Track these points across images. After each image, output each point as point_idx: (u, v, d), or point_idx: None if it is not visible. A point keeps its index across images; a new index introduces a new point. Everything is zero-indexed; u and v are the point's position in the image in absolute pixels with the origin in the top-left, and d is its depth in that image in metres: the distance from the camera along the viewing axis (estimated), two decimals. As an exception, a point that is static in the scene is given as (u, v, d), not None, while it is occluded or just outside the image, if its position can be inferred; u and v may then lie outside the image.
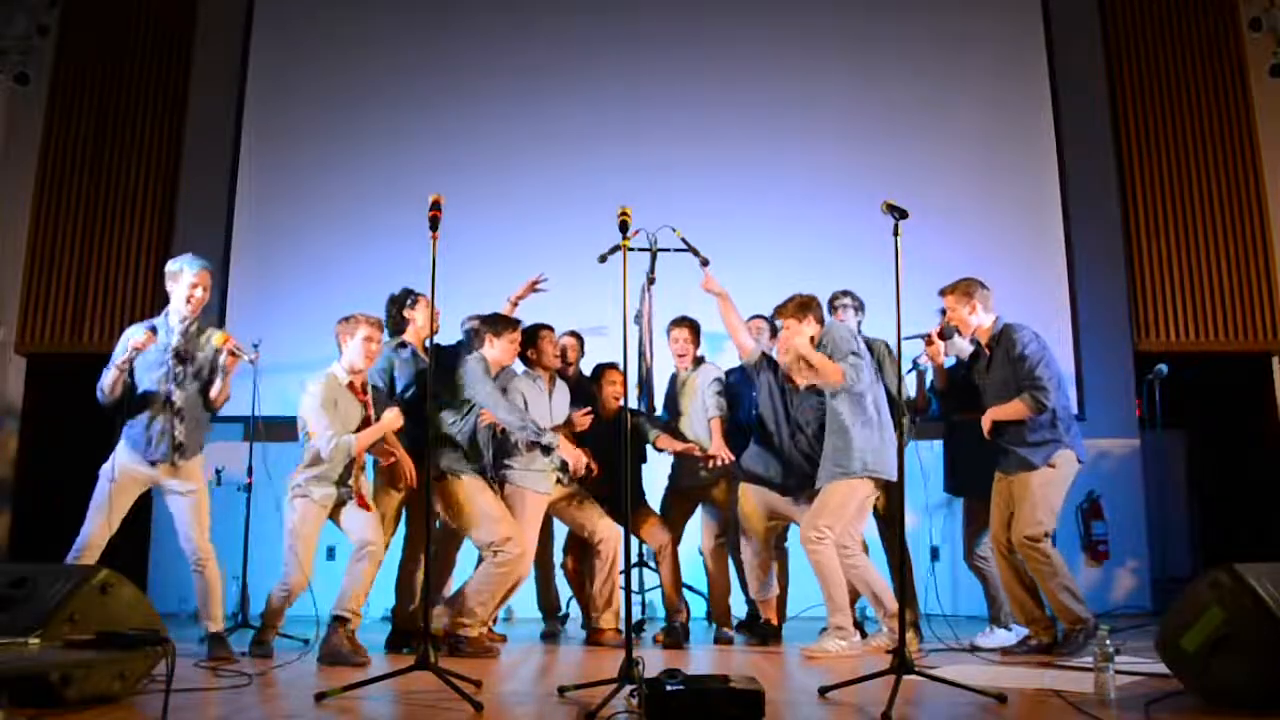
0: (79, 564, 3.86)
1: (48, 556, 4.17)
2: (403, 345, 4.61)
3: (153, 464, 4.03)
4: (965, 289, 4.36)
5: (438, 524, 4.51)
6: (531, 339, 4.76)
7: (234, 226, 6.76)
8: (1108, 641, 3.05)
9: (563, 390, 4.80)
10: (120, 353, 3.96)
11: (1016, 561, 4.25)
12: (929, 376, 4.79)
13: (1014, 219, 6.67)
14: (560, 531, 5.11)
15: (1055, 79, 6.84)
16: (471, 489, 4.37)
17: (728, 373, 4.99)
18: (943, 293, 4.43)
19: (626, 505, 3.51)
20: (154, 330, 3.99)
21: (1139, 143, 6.90)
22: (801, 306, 4.36)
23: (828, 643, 4.24)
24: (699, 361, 4.99)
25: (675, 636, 4.65)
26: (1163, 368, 5.69)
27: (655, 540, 4.82)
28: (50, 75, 7.10)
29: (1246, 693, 2.73)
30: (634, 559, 5.37)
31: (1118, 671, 3.09)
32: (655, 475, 5.13)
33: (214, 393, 4.20)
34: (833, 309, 4.77)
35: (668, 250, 4.77)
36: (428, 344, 4.41)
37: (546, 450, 4.41)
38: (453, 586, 4.72)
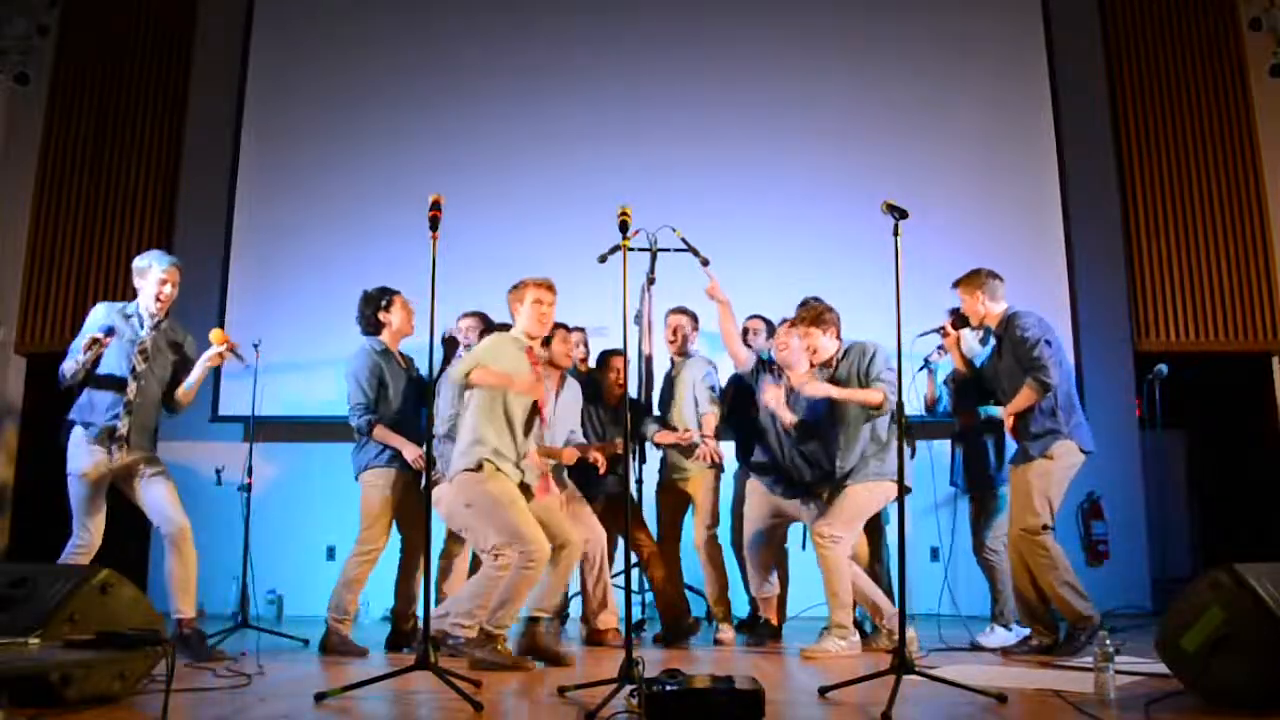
0: (79, 564, 3.87)
1: (48, 556, 4.17)
2: (386, 352, 4.57)
3: (106, 451, 4.02)
4: (974, 279, 4.40)
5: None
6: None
7: (234, 226, 6.75)
8: (1108, 641, 3.05)
9: (573, 389, 4.76)
10: (79, 348, 3.95)
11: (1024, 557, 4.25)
12: (939, 375, 4.80)
13: (1014, 219, 6.67)
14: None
15: (1055, 79, 6.84)
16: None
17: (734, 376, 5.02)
18: (955, 284, 4.47)
19: (628, 503, 3.49)
20: (112, 332, 3.99)
21: (1139, 143, 6.90)
22: (823, 319, 4.37)
23: (827, 642, 4.24)
24: (686, 354, 5.01)
25: (681, 634, 4.67)
26: (1163, 368, 5.69)
27: (641, 550, 4.82)
28: (50, 75, 7.10)
29: (1246, 693, 2.73)
30: (634, 559, 5.37)
31: (1118, 671, 3.09)
32: (652, 475, 5.13)
33: (182, 391, 4.21)
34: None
35: (668, 250, 4.78)
36: (437, 343, 4.40)
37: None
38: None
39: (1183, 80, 6.96)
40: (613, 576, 4.80)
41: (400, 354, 4.63)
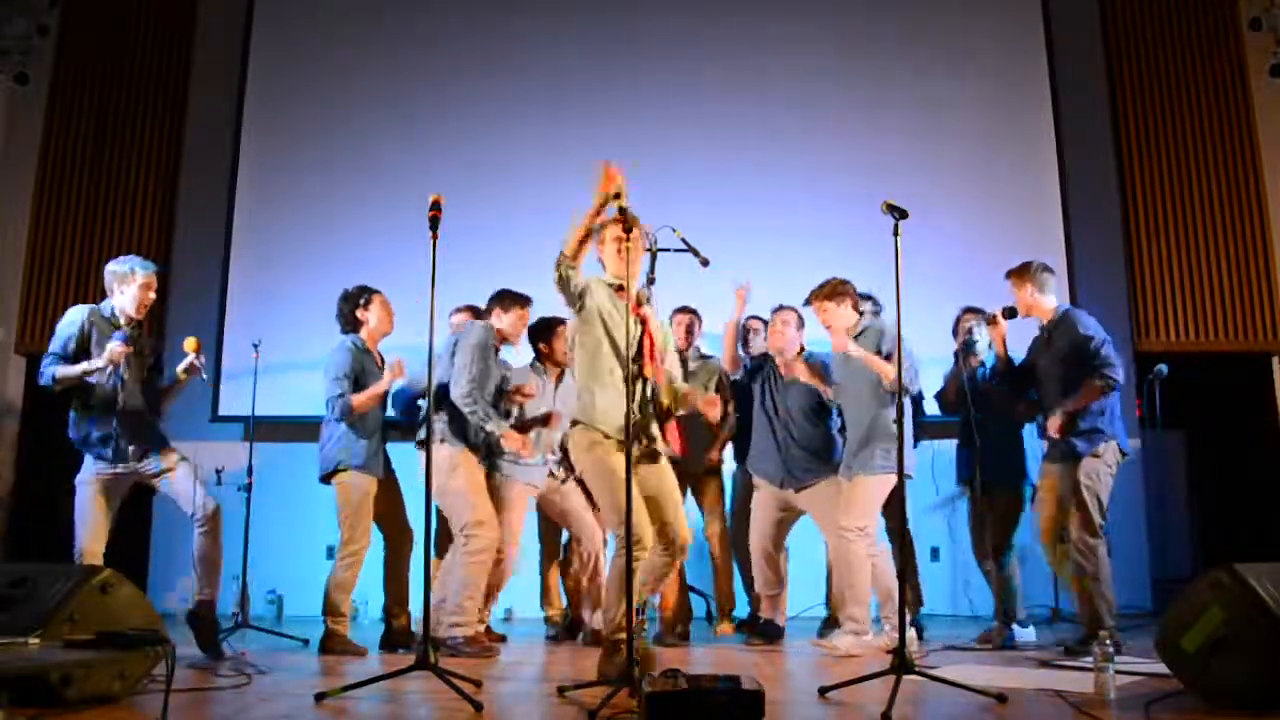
0: (79, 564, 3.87)
1: (48, 556, 4.17)
2: (366, 351, 4.58)
3: (109, 464, 4.01)
4: (1025, 270, 4.45)
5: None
6: (546, 332, 4.80)
7: (234, 226, 6.75)
8: (1108, 641, 3.05)
9: (570, 387, 4.79)
10: (102, 360, 3.90)
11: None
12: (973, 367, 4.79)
13: (1014, 219, 6.66)
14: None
15: (1055, 79, 6.83)
16: (463, 461, 4.37)
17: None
18: (1008, 275, 4.51)
19: (629, 498, 3.46)
20: (128, 342, 3.96)
21: (1139, 143, 6.90)
22: (838, 291, 4.40)
23: (839, 639, 4.24)
24: (700, 355, 5.03)
25: (682, 634, 4.68)
26: (1163, 368, 5.69)
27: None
28: (50, 75, 7.10)
29: (1246, 693, 2.73)
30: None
31: (1118, 671, 3.09)
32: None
33: (165, 407, 4.24)
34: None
35: (667, 250, 4.76)
36: (438, 343, 4.38)
37: (488, 435, 4.40)
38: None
39: (1183, 80, 6.96)
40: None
41: (379, 353, 4.64)
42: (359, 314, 4.57)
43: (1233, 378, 6.76)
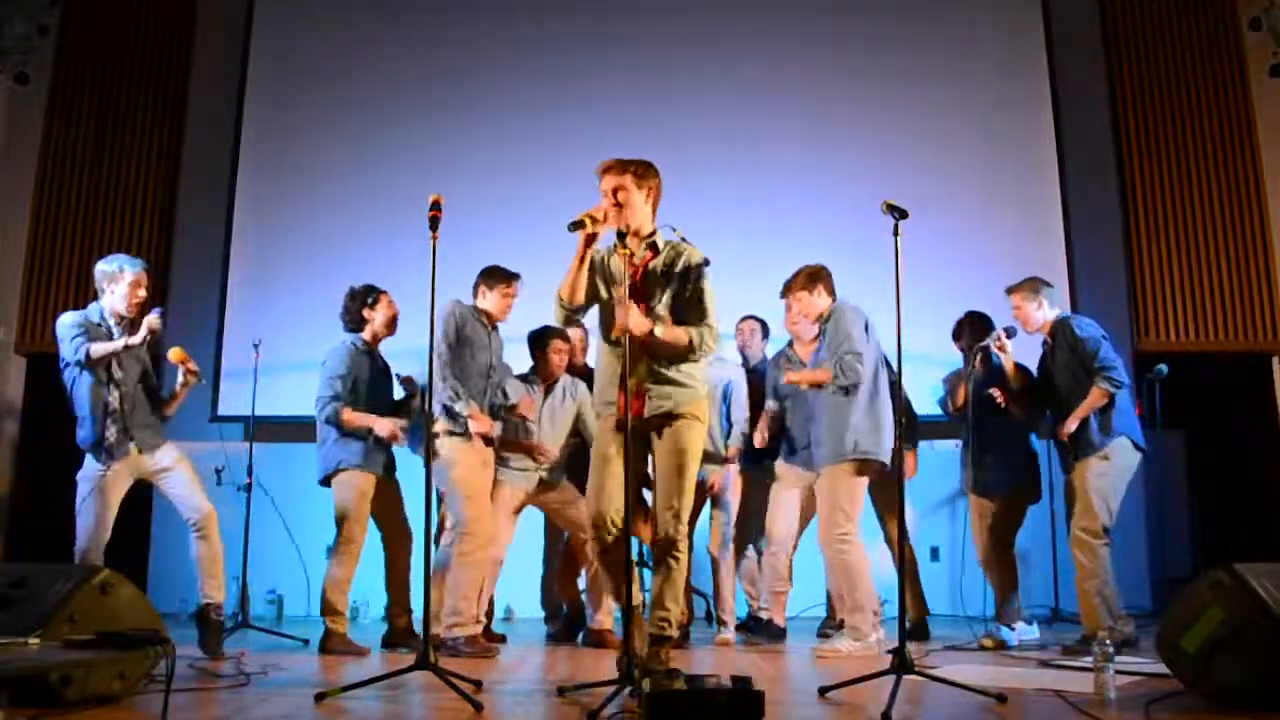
0: (79, 564, 3.86)
1: (47, 556, 4.17)
2: (369, 351, 4.57)
3: (104, 463, 4.01)
4: (1031, 285, 4.48)
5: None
6: (541, 343, 4.76)
7: (234, 226, 6.75)
8: (1107, 641, 3.05)
9: (561, 394, 4.80)
10: (140, 334, 3.95)
11: None
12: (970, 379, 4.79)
13: (1014, 219, 6.66)
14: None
15: (1055, 79, 6.84)
16: (463, 457, 4.33)
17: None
18: (1009, 291, 4.53)
19: (629, 496, 3.45)
20: (163, 314, 4.03)
21: (1139, 143, 6.90)
22: (811, 277, 4.40)
23: (840, 642, 4.24)
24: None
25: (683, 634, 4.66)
26: (1163, 368, 5.69)
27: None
28: (50, 75, 7.10)
29: (1246, 693, 2.73)
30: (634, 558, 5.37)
31: (1118, 671, 3.09)
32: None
33: (170, 412, 4.26)
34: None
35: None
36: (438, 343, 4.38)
37: (454, 416, 4.30)
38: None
39: (1183, 80, 6.96)
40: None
41: (381, 355, 4.64)
42: (365, 313, 4.55)
43: (1233, 378, 6.76)
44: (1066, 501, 4.44)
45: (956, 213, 6.46)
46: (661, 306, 3.35)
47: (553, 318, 3.46)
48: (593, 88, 6.90)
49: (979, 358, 4.61)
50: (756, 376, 5.02)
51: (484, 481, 4.41)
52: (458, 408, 4.28)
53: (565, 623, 4.99)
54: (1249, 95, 6.88)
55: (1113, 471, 4.23)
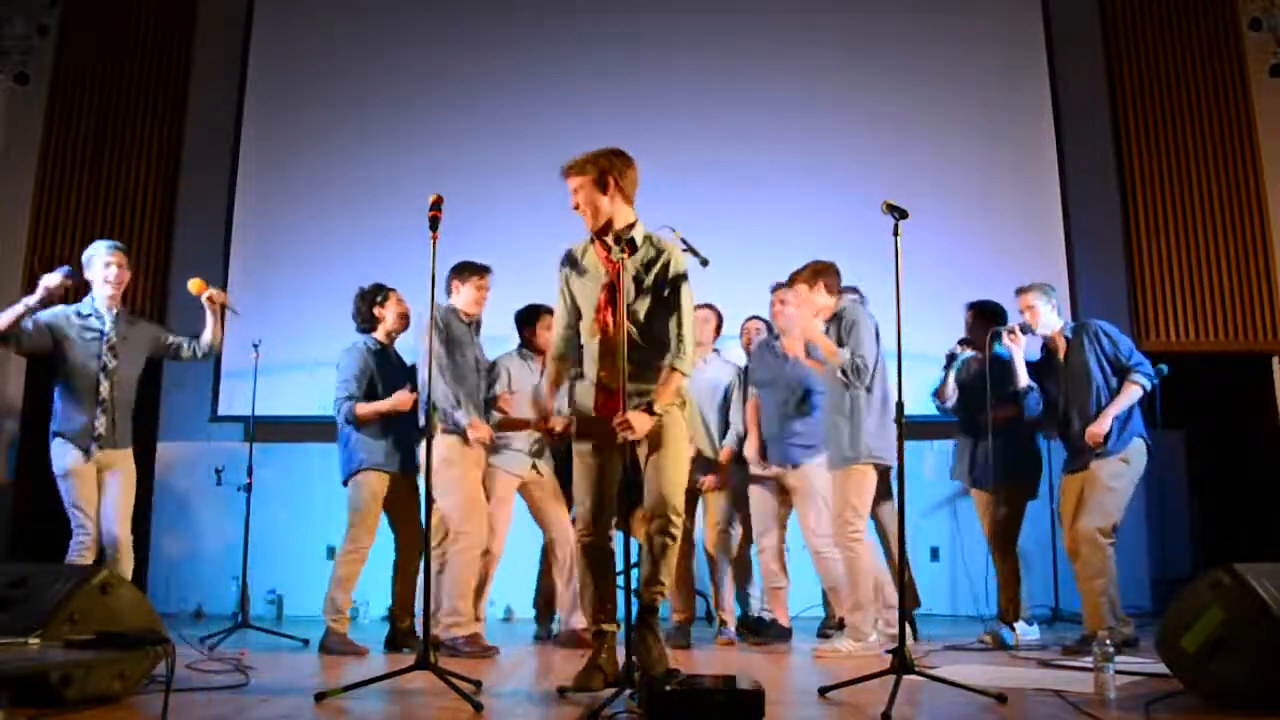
0: (79, 564, 3.87)
1: (47, 556, 4.17)
2: (383, 350, 4.57)
3: (85, 452, 4.05)
4: (1043, 289, 4.54)
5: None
6: (531, 320, 4.79)
7: (234, 226, 6.75)
8: (1107, 641, 3.05)
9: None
10: (37, 294, 3.94)
11: None
12: (953, 373, 4.80)
13: (1014, 219, 6.66)
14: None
15: (1055, 79, 6.84)
16: (459, 457, 4.34)
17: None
18: (1020, 291, 4.56)
19: (628, 498, 3.44)
20: (70, 275, 4.00)
21: (1139, 143, 6.89)
22: (816, 273, 4.40)
23: (840, 642, 4.24)
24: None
25: (682, 638, 4.66)
26: (1163, 368, 5.68)
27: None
28: (50, 75, 7.09)
29: (1246, 693, 2.72)
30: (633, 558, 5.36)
31: (1118, 671, 3.09)
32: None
33: (207, 337, 4.35)
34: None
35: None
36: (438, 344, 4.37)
37: (457, 427, 4.33)
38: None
39: (1183, 80, 6.95)
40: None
41: (396, 352, 4.65)
42: (376, 311, 4.57)
43: (1233, 378, 6.76)
44: (1064, 501, 4.43)
45: (956, 213, 6.46)
46: (641, 309, 3.40)
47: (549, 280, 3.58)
48: (593, 87, 6.89)
49: (990, 339, 4.63)
50: None
51: (476, 481, 4.44)
52: (457, 416, 4.32)
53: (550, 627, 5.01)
54: (1249, 95, 6.87)
55: (1130, 473, 4.27)
